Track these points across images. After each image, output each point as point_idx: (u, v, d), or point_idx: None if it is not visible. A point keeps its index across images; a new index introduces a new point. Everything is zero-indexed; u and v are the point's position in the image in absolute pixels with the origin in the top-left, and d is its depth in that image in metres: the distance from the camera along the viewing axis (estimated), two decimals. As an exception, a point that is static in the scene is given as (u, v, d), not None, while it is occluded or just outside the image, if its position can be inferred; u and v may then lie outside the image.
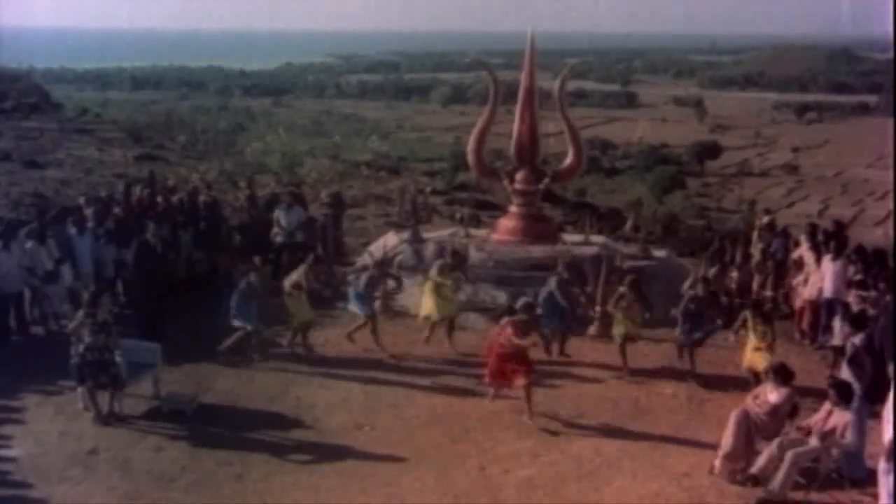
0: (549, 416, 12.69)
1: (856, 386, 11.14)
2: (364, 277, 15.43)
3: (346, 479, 10.93)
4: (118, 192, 19.65)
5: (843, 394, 10.80)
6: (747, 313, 13.70)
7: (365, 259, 17.73)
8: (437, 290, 15.27)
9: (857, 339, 12.05)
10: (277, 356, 14.82)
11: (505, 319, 13.02)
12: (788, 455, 10.49)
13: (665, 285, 16.30)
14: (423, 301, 15.53)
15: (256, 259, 15.16)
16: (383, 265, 16.51)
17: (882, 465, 9.78)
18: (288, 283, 14.91)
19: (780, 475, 10.43)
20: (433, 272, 15.46)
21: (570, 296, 15.15)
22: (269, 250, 18.25)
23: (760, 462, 10.64)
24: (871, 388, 11.40)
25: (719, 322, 14.73)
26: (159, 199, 18.68)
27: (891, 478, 9.56)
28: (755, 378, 12.84)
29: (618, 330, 14.50)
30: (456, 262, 15.87)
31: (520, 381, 12.54)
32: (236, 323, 14.47)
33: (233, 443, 11.75)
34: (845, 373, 11.71)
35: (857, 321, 12.54)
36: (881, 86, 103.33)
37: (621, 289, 14.65)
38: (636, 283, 14.63)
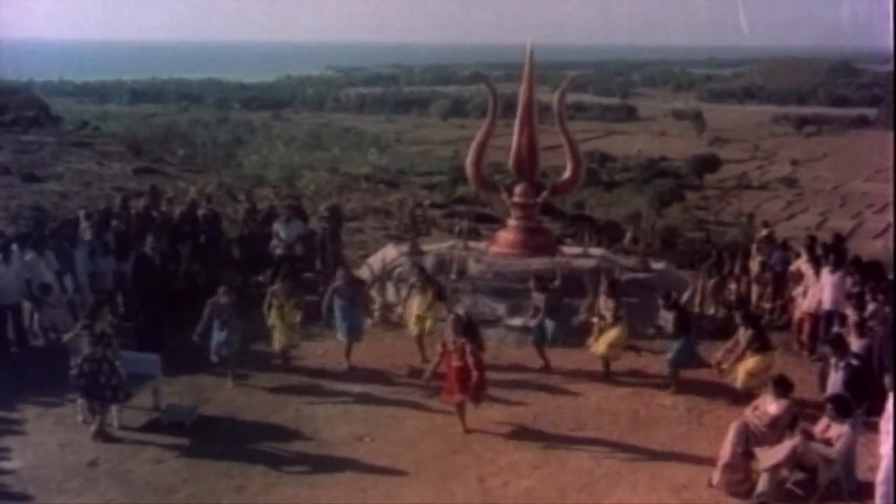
0: (549, 427, 12.70)
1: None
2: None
3: (345, 490, 10.94)
4: (116, 204, 19.67)
5: (840, 408, 10.83)
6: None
7: (364, 271, 17.74)
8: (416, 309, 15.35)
9: (855, 361, 12.08)
10: (276, 368, 14.83)
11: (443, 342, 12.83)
12: (764, 457, 10.58)
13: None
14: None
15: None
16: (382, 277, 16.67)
17: (880, 477, 9.80)
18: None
19: (762, 479, 10.52)
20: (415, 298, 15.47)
21: (555, 310, 15.11)
22: (268, 264, 18.31)
23: (761, 487, 10.63)
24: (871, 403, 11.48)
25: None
26: (154, 213, 18.69)
27: (889, 488, 9.59)
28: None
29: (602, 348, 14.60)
30: (425, 280, 15.56)
31: (458, 396, 12.48)
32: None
33: (233, 454, 11.75)
34: (839, 388, 11.74)
35: (836, 344, 12.51)
36: (880, 99, 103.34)
37: (601, 299, 14.77)
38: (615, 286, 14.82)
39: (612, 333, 14.47)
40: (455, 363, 12.38)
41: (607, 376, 14.58)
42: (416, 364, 14.87)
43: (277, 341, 14.85)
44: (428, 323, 15.13)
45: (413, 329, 15.33)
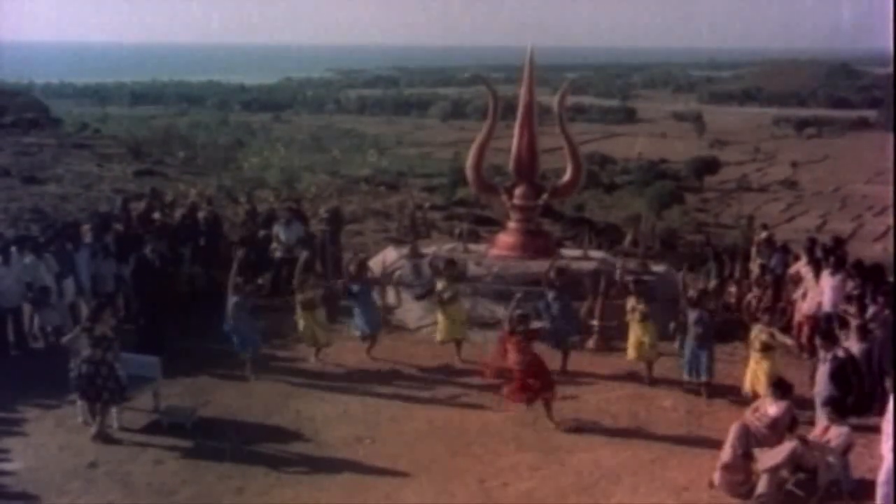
0: (549, 429, 12.70)
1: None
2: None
3: (346, 492, 10.94)
4: (116, 207, 19.68)
5: (839, 410, 10.84)
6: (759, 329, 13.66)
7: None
8: (446, 309, 15.34)
9: (841, 352, 12.07)
10: (277, 370, 14.83)
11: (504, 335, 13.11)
12: (763, 458, 10.60)
13: (664, 300, 16.30)
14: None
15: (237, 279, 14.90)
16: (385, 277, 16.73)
17: (881, 478, 9.81)
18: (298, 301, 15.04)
19: (762, 480, 10.54)
20: (437, 286, 15.60)
21: (567, 312, 15.15)
22: (268, 266, 18.31)
23: (761, 488, 10.64)
24: (860, 400, 11.53)
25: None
26: (156, 214, 18.69)
27: (890, 489, 9.60)
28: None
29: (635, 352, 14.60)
30: (452, 270, 15.82)
31: (544, 394, 12.77)
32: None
33: (233, 456, 11.73)
34: (828, 387, 11.74)
35: (825, 335, 12.53)
36: (880, 101, 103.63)
37: (631, 301, 14.73)
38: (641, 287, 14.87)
39: (650, 333, 14.46)
40: (518, 357, 12.69)
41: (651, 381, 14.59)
42: (420, 363, 15.21)
43: (313, 340, 15.09)
44: (458, 328, 15.34)
45: (442, 334, 15.45)
